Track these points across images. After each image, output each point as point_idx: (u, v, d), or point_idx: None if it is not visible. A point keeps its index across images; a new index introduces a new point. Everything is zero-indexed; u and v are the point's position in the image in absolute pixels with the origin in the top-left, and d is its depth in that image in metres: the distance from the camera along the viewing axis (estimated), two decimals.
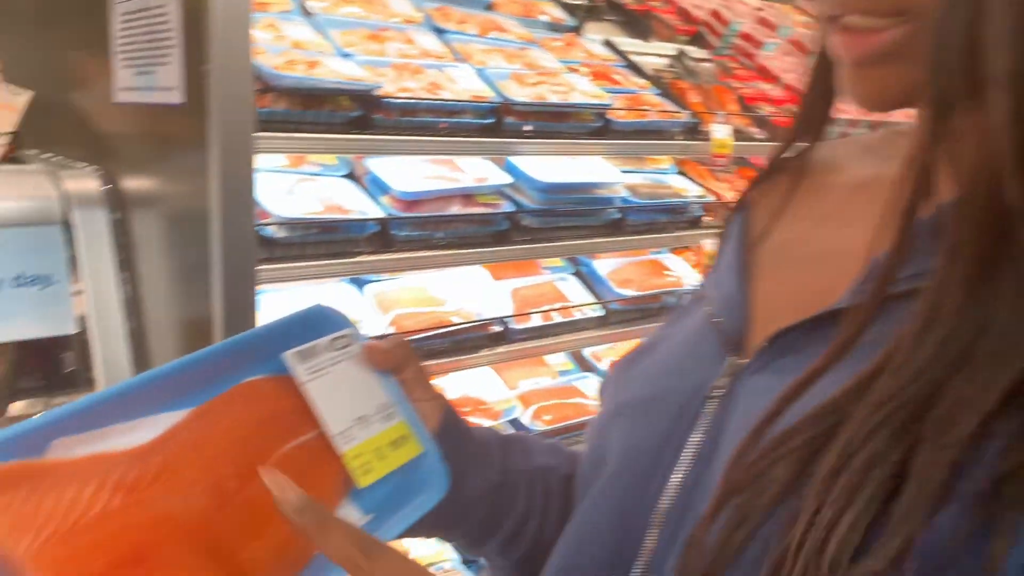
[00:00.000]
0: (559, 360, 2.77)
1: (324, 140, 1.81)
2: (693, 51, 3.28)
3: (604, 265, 2.64)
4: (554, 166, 2.35)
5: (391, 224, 1.99)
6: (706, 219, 2.73)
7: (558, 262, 2.70)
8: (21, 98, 1.40)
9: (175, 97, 1.07)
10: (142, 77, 1.14)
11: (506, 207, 2.20)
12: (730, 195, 2.90)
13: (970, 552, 0.49)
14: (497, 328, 2.26)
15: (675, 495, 0.69)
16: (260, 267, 1.22)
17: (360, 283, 2.27)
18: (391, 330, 2.15)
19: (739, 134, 2.76)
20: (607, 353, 2.75)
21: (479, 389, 2.48)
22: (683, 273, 2.74)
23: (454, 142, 2.03)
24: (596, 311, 2.46)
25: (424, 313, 2.18)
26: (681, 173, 2.87)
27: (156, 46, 1.10)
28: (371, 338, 0.85)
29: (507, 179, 2.23)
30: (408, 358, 0.84)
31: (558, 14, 2.84)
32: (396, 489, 0.81)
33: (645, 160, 2.82)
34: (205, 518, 0.68)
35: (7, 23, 1.70)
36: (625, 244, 2.51)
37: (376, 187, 2.07)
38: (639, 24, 3.25)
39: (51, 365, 1.92)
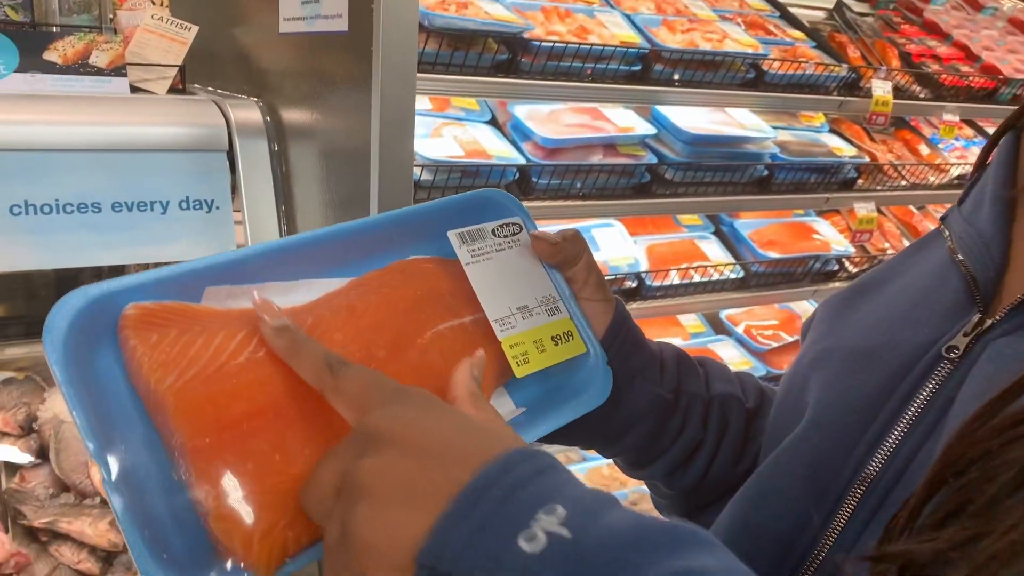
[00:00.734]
0: (691, 322, 2.70)
1: (471, 83, 1.79)
2: (854, 4, 3.08)
3: (746, 225, 2.54)
4: (702, 117, 2.26)
5: (531, 171, 1.96)
6: (860, 182, 2.58)
7: (696, 220, 2.61)
8: (189, 32, 1.45)
9: (340, 25, 1.07)
10: (307, 6, 1.15)
11: (649, 158, 2.14)
12: (888, 157, 2.73)
13: None
14: (632, 283, 2.22)
15: (886, 460, 0.61)
16: None
17: None
18: None
19: (900, 92, 2.58)
20: (743, 316, 2.65)
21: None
22: (831, 237, 2.60)
23: (600, 89, 1.97)
24: (735, 272, 2.38)
25: None
26: (834, 132, 2.71)
27: None
28: (540, 231, 0.80)
29: (652, 130, 2.16)
30: (578, 254, 0.79)
31: None
32: (554, 387, 0.78)
33: (797, 116, 2.68)
34: None
35: None
36: (771, 203, 2.41)
37: (518, 133, 2.05)
38: None
39: None
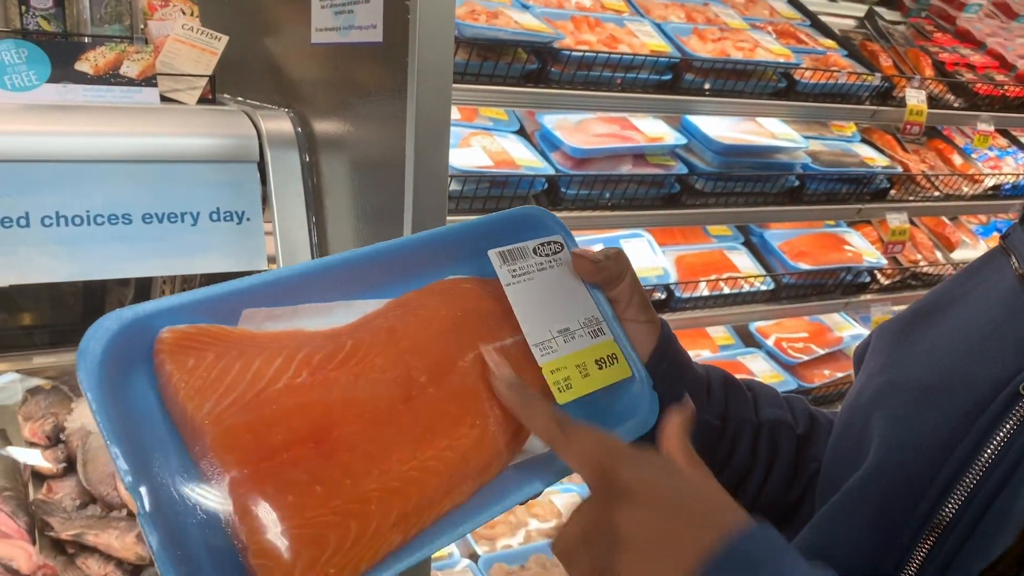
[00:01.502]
0: (720, 334, 2.66)
1: (501, 92, 1.77)
2: (885, 12, 3.04)
3: (777, 236, 2.50)
4: (732, 126, 2.23)
5: (560, 181, 1.94)
6: (892, 192, 2.53)
7: (726, 231, 2.58)
8: (219, 42, 1.44)
9: (374, 36, 1.05)
10: (341, 16, 1.13)
11: (679, 169, 2.11)
12: (921, 168, 2.68)
13: None
14: (661, 295, 2.19)
15: (960, 505, 0.58)
16: None
17: None
18: None
19: (934, 102, 2.54)
20: (774, 329, 2.61)
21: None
22: (863, 248, 2.56)
23: (629, 98, 1.95)
24: (766, 284, 2.34)
25: None
26: (866, 141, 2.67)
27: None
28: (582, 249, 0.77)
29: (682, 140, 2.13)
30: (622, 273, 0.76)
31: None
32: (598, 413, 0.75)
33: (829, 126, 2.64)
34: (391, 408, 0.64)
35: None
36: (802, 214, 2.37)
37: (547, 143, 2.03)
38: None
39: None
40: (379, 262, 0.71)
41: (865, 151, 2.56)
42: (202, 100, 1.41)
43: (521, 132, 2.10)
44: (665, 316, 2.18)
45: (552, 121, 2.05)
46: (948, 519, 0.58)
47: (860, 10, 3.01)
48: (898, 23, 3.03)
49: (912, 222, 2.71)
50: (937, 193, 2.68)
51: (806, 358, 2.53)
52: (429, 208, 1.05)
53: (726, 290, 2.26)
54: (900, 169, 2.57)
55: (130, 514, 1.34)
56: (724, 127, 2.22)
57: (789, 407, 0.85)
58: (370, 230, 1.16)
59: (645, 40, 2.02)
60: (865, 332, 2.67)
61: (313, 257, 1.24)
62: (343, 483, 0.59)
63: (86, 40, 1.32)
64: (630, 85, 1.96)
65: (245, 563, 0.55)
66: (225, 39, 1.44)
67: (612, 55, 1.88)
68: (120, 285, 2.03)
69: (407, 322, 0.69)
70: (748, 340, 2.67)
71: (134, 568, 1.31)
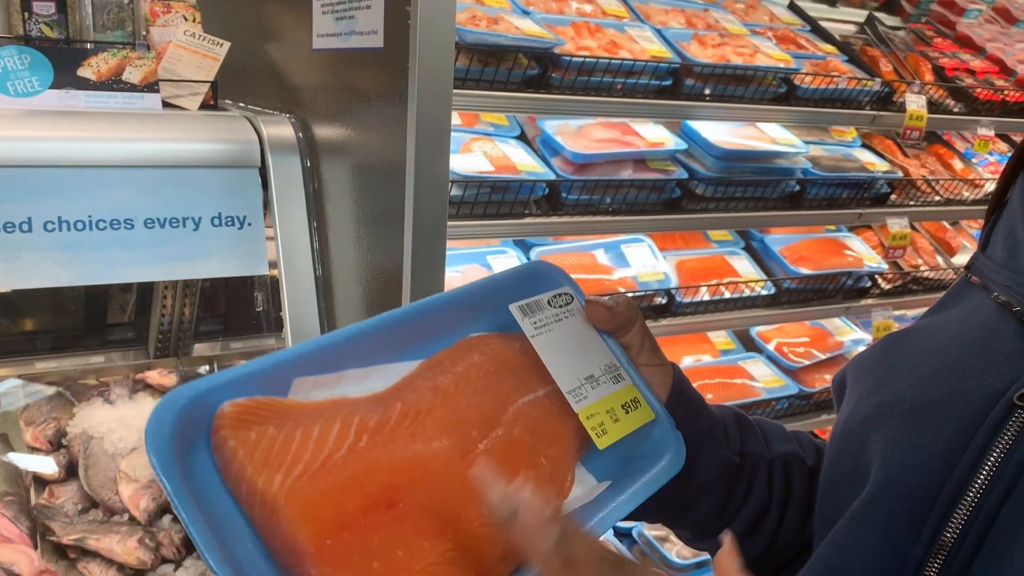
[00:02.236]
0: (720, 338, 2.66)
1: (502, 98, 1.78)
2: (885, 17, 3.05)
3: (777, 240, 2.51)
4: (733, 132, 2.23)
5: (561, 186, 1.95)
6: (892, 197, 2.54)
7: (726, 235, 2.58)
8: (221, 48, 1.45)
9: (376, 41, 1.06)
10: (342, 23, 1.14)
11: (679, 174, 2.11)
12: (922, 172, 2.68)
13: None
14: (662, 300, 2.19)
15: (965, 523, 0.58)
16: None
17: (526, 246, 2.24)
18: None
19: (934, 107, 2.54)
20: (774, 333, 2.61)
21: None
22: (864, 253, 2.56)
23: (630, 104, 1.96)
24: (766, 288, 2.34)
25: (589, 280, 2.13)
26: (867, 146, 2.68)
27: None
28: (594, 296, 0.79)
29: (682, 145, 2.13)
30: (632, 319, 0.78)
31: None
32: (628, 457, 0.76)
33: (829, 131, 2.65)
34: (451, 465, 0.65)
35: None
36: (803, 219, 2.37)
37: (547, 148, 2.04)
38: None
39: (234, 309, 2.02)
40: (407, 325, 0.73)
41: (866, 156, 2.57)
42: (204, 106, 1.41)
43: (522, 137, 2.10)
44: (666, 321, 2.20)
45: (553, 126, 2.05)
46: (954, 537, 0.58)
47: (860, 16, 3.02)
48: (898, 28, 3.03)
49: (913, 227, 2.71)
50: (938, 198, 2.68)
51: (807, 363, 2.53)
52: (430, 213, 1.06)
53: (727, 295, 2.26)
54: (900, 174, 2.58)
55: (131, 519, 1.34)
56: (724, 132, 2.22)
57: (797, 441, 0.86)
58: (371, 235, 1.16)
59: (645, 45, 2.02)
60: (866, 336, 2.67)
61: (314, 263, 1.25)
62: (422, 546, 0.59)
63: (89, 46, 1.33)
64: (631, 90, 1.97)
65: None
66: (227, 45, 1.45)
67: (612, 60, 1.89)
68: (122, 291, 2.03)
69: (448, 380, 0.71)
70: (749, 345, 2.67)
71: (135, 573, 1.31)
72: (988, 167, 3.06)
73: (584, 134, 2.06)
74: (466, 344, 0.76)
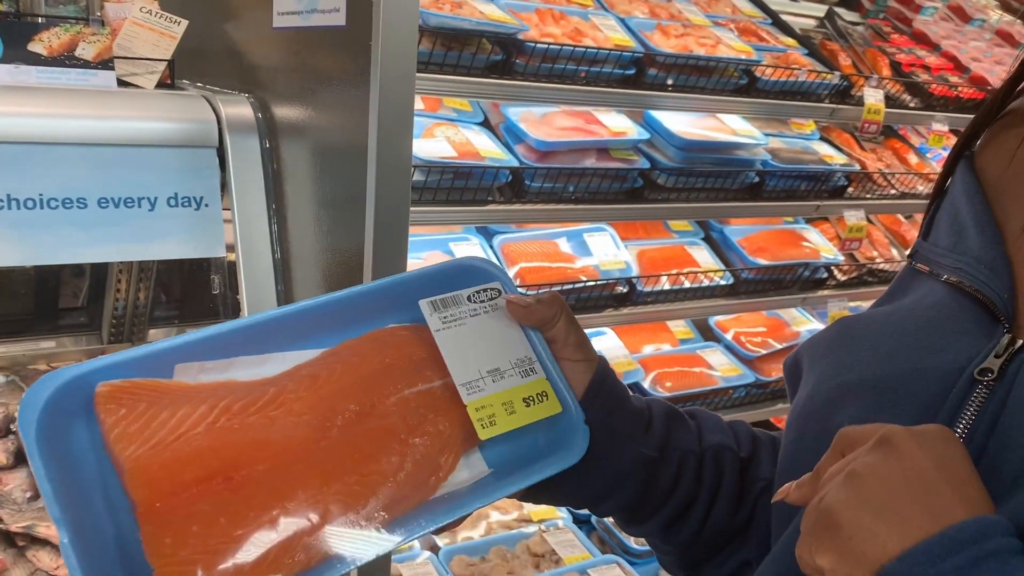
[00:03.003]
0: (679, 328, 2.69)
1: (465, 83, 1.77)
2: (844, 13, 3.09)
3: (737, 231, 2.53)
4: (694, 122, 2.25)
5: (524, 174, 1.94)
6: (849, 190, 2.58)
7: (687, 226, 2.60)
8: (179, 26, 1.42)
9: (338, 19, 1.04)
10: (303, 0, 1.12)
11: (641, 163, 2.12)
12: (878, 166, 2.73)
13: None
14: (623, 289, 2.20)
15: None
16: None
17: (489, 234, 2.24)
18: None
19: (891, 101, 2.58)
20: (732, 323, 2.64)
21: (601, 351, 2.42)
22: (820, 245, 2.60)
23: (593, 92, 1.96)
24: (725, 279, 2.36)
25: (551, 268, 2.14)
26: (825, 139, 2.71)
27: None
28: (521, 293, 0.81)
29: (645, 135, 2.14)
30: (554, 316, 0.80)
31: None
32: (528, 447, 0.79)
33: (788, 123, 2.68)
34: (303, 449, 0.69)
35: None
36: (762, 210, 2.40)
37: (511, 135, 2.03)
38: None
39: (190, 293, 1.98)
40: (315, 315, 0.77)
41: (824, 149, 2.60)
42: (160, 85, 1.38)
43: (485, 124, 2.09)
44: (627, 309, 2.21)
45: (517, 113, 2.05)
46: None
47: (820, 10, 3.05)
48: (857, 24, 3.08)
49: (869, 219, 2.76)
50: (893, 191, 2.73)
51: (764, 352, 2.57)
52: (392, 196, 1.05)
53: (687, 284, 2.28)
54: (858, 167, 2.62)
55: None
56: (686, 123, 2.24)
57: (732, 431, 0.87)
58: (331, 218, 1.15)
59: (609, 34, 2.02)
60: (822, 327, 2.72)
61: (272, 246, 1.23)
62: (247, 515, 0.64)
63: (40, 20, 1.29)
64: (594, 79, 1.97)
65: None
66: (184, 23, 1.41)
67: (576, 48, 1.89)
68: (75, 275, 1.99)
69: (333, 369, 0.75)
70: (707, 334, 2.69)
71: None
72: (941, 162, 3.12)
73: (548, 122, 2.06)
74: (374, 334, 0.79)
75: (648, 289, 2.21)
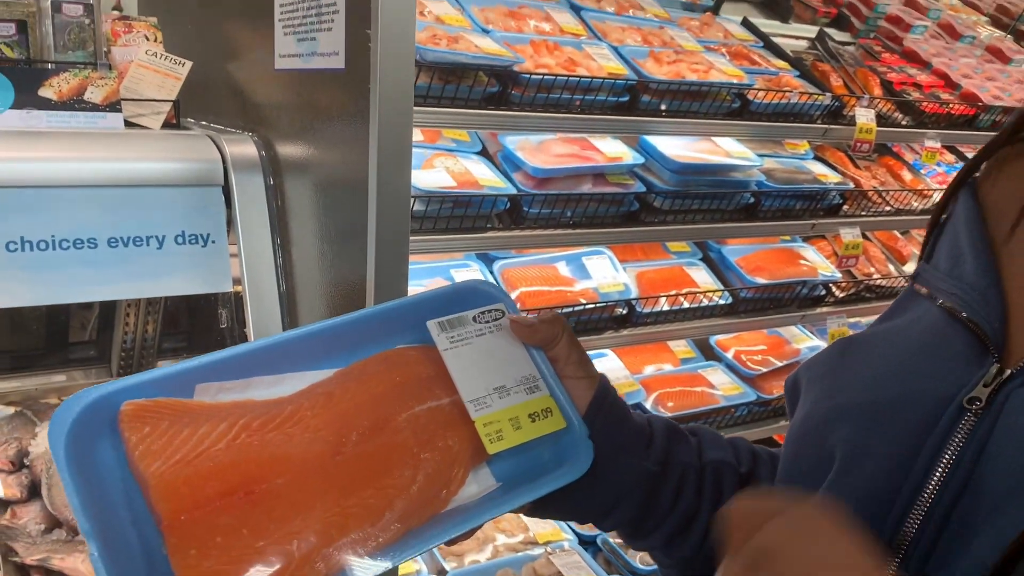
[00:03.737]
0: (680, 347, 2.71)
1: (463, 115, 1.81)
2: (835, 33, 3.14)
3: (734, 251, 2.57)
4: (689, 146, 2.29)
5: (522, 201, 1.98)
6: (844, 208, 2.61)
7: (684, 247, 2.63)
8: (183, 68, 1.46)
9: (337, 63, 1.08)
10: (303, 44, 1.16)
11: (637, 187, 2.16)
12: (872, 184, 2.76)
13: None
14: (622, 310, 2.23)
15: (923, 520, 0.61)
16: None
17: (489, 260, 2.27)
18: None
19: (883, 120, 2.63)
20: (733, 342, 2.67)
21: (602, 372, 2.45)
22: (818, 263, 2.63)
23: (589, 119, 2.00)
24: (724, 298, 2.39)
25: (551, 292, 2.17)
26: (819, 159, 2.75)
27: (318, 12, 1.12)
28: (523, 313, 0.85)
29: (640, 159, 2.18)
30: (557, 335, 0.83)
31: None
32: (534, 461, 0.82)
33: (782, 144, 2.72)
34: (320, 464, 0.72)
35: None
36: (758, 230, 2.43)
37: (509, 163, 2.07)
38: (778, 5, 3.14)
39: (198, 326, 2.02)
40: (328, 336, 0.80)
41: (818, 168, 2.64)
42: (166, 125, 1.42)
43: (484, 153, 2.14)
44: (627, 331, 2.24)
45: (514, 142, 2.09)
46: (912, 534, 0.62)
47: (811, 31, 3.10)
48: (848, 44, 3.12)
49: (865, 236, 2.79)
50: (888, 208, 2.76)
51: (765, 370, 2.59)
52: (392, 228, 1.08)
53: (686, 305, 2.31)
54: (852, 185, 2.65)
55: None
56: (680, 147, 2.28)
57: (732, 447, 0.90)
58: (334, 251, 1.18)
59: (603, 63, 2.07)
60: (822, 344, 2.74)
61: (278, 279, 1.26)
62: (268, 526, 0.67)
63: (50, 66, 1.33)
64: (589, 107, 2.01)
65: None
66: (189, 64, 1.46)
67: (571, 78, 1.93)
68: (84, 309, 2.02)
69: (347, 387, 0.78)
70: (708, 353, 2.72)
71: None
72: (936, 178, 3.16)
73: (544, 149, 2.10)
74: (384, 355, 0.82)
75: (648, 310, 2.24)
